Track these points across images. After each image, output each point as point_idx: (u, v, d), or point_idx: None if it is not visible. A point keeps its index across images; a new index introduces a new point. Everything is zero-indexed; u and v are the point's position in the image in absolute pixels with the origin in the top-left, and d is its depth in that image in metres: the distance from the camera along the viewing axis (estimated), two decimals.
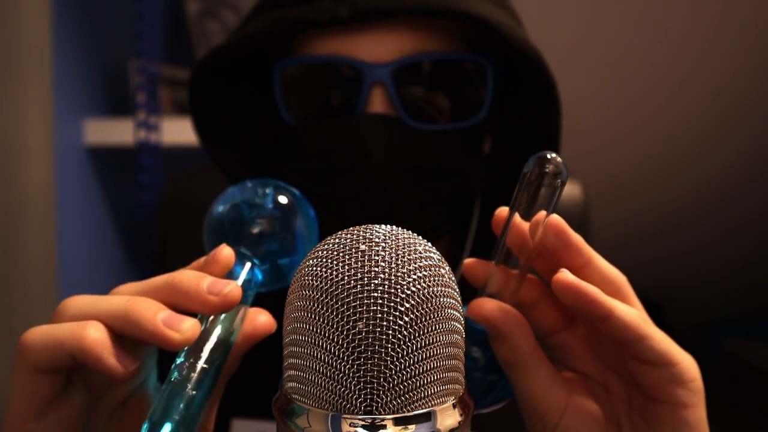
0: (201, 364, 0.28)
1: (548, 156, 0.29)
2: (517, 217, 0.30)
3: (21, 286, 0.70)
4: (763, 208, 1.35)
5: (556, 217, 0.30)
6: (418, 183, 0.45)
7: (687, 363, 0.29)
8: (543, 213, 0.30)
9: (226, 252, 0.30)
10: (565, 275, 0.29)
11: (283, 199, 0.33)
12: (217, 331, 0.29)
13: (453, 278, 0.25)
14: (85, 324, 0.26)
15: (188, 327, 0.27)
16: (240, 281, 0.31)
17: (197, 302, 0.28)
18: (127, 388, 0.31)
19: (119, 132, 0.94)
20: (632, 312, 0.29)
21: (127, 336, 0.27)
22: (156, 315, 0.26)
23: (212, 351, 0.29)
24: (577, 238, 0.30)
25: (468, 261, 0.32)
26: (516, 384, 0.31)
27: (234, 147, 0.54)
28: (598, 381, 0.33)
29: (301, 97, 0.49)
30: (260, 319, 0.32)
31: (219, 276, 0.30)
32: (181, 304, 0.28)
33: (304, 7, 0.44)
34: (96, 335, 0.26)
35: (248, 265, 0.32)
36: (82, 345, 0.26)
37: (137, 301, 0.27)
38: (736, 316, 1.46)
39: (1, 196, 0.68)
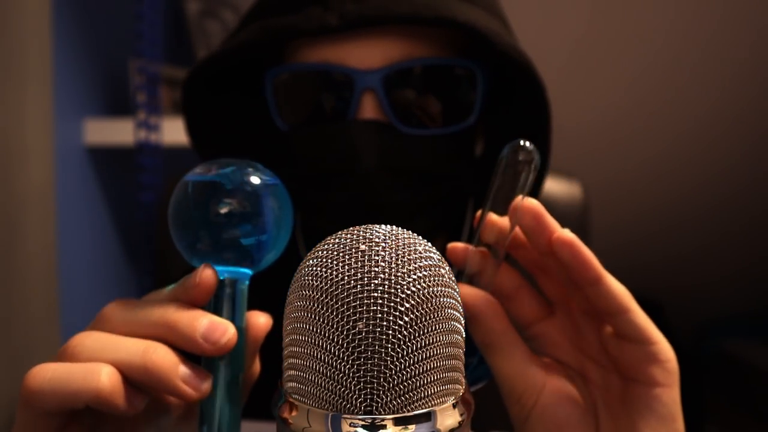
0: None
1: (521, 143, 0.32)
2: (491, 204, 0.32)
3: (21, 286, 0.70)
4: (763, 208, 1.35)
5: (531, 201, 0.31)
6: (410, 187, 0.46)
7: (663, 344, 0.31)
8: (519, 197, 0.32)
9: (207, 273, 0.29)
10: (566, 233, 0.30)
11: (253, 179, 0.31)
12: (224, 372, 0.30)
13: (453, 278, 0.25)
14: (98, 371, 0.26)
15: (207, 384, 0.28)
16: (233, 315, 0.30)
17: (195, 348, 0.28)
18: (139, 426, 0.32)
19: (119, 132, 0.94)
20: (620, 286, 0.31)
21: (139, 383, 0.27)
22: (176, 370, 0.27)
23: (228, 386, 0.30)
24: (551, 223, 0.31)
25: (450, 245, 0.34)
26: (492, 364, 0.33)
27: (227, 152, 0.54)
28: (575, 368, 0.34)
29: (293, 103, 0.49)
30: (260, 321, 0.32)
31: (205, 297, 0.29)
32: (180, 346, 0.28)
33: (294, 16, 0.44)
34: (111, 383, 0.26)
35: (228, 288, 0.31)
36: (98, 394, 0.25)
37: (155, 351, 0.27)
38: (736, 316, 1.46)
39: (1, 196, 0.68)
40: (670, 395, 0.31)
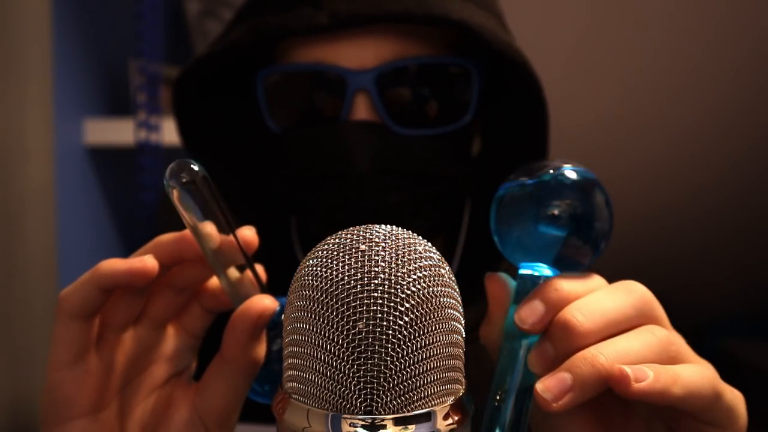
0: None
1: None
2: None
3: (21, 286, 0.70)
4: (763, 208, 1.35)
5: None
6: (405, 189, 0.45)
7: (743, 422, 0.27)
8: None
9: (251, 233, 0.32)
10: (637, 385, 0.24)
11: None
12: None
13: (453, 278, 0.25)
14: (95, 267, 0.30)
15: (150, 259, 0.29)
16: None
17: (184, 246, 0.32)
18: (166, 369, 0.32)
19: (119, 132, 0.94)
20: (702, 378, 0.25)
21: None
22: (120, 261, 0.29)
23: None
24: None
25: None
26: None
27: (219, 154, 0.53)
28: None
29: (285, 104, 0.48)
30: (265, 302, 0.30)
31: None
32: (172, 254, 0.32)
33: (284, 15, 0.44)
34: (108, 261, 0.29)
35: None
36: (98, 270, 0.29)
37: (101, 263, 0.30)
38: (736, 316, 1.46)
39: (1, 196, 0.68)
40: None
